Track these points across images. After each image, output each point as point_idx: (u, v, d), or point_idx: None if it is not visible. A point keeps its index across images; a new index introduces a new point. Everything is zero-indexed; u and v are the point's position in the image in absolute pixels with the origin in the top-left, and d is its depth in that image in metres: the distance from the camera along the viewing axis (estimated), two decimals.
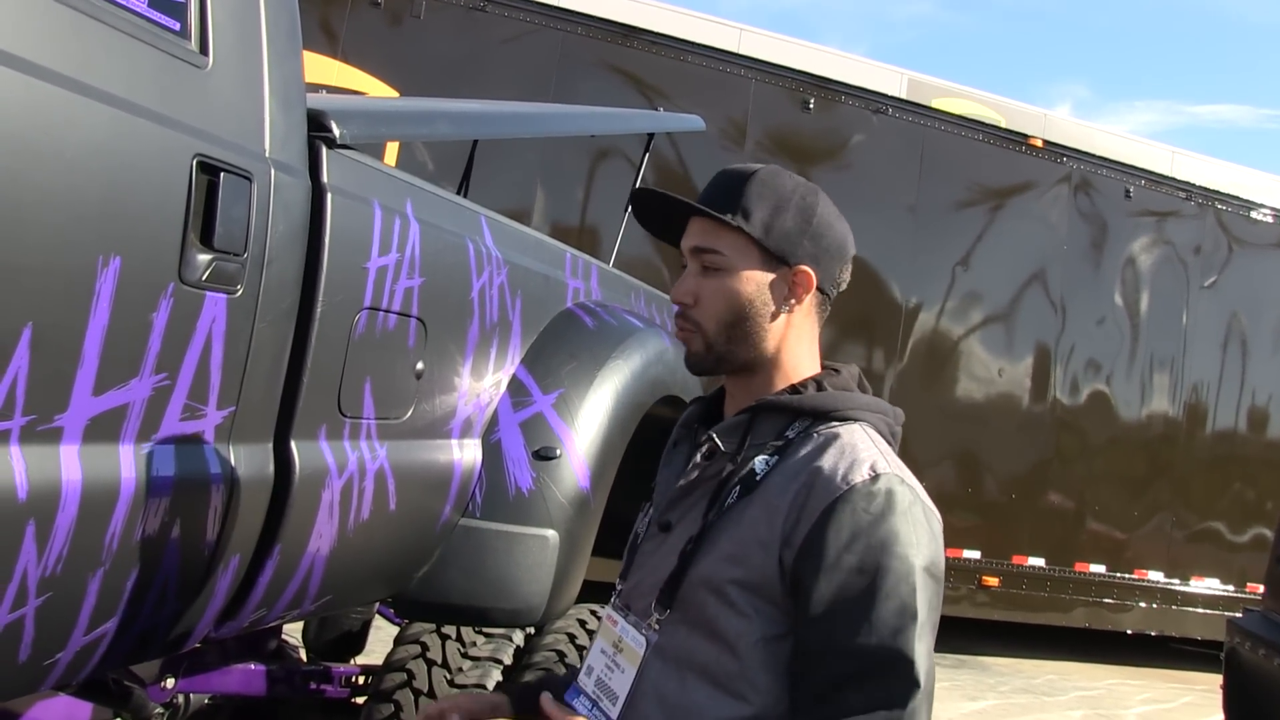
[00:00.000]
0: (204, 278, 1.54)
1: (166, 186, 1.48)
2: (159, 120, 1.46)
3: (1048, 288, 8.54)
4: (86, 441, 1.39)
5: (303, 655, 3.47)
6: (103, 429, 1.41)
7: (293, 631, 3.50)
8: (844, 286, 1.51)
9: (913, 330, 8.07)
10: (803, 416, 1.41)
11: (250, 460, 1.72)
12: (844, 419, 1.40)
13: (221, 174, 1.56)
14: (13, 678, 1.42)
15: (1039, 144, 8.51)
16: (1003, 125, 8.57)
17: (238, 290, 1.61)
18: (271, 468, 1.78)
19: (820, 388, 1.43)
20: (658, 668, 1.37)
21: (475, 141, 3.95)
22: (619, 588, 1.51)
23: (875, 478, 1.30)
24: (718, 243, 1.42)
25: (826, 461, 1.32)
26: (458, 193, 3.52)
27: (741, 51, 7.91)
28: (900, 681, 1.24)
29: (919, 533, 1.30)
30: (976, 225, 8.34)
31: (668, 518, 1.45)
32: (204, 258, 1.54)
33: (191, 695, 2.76)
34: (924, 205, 8.10)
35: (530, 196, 7.08)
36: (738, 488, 1.37)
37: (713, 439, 1.41)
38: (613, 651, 1.45)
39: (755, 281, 1.42)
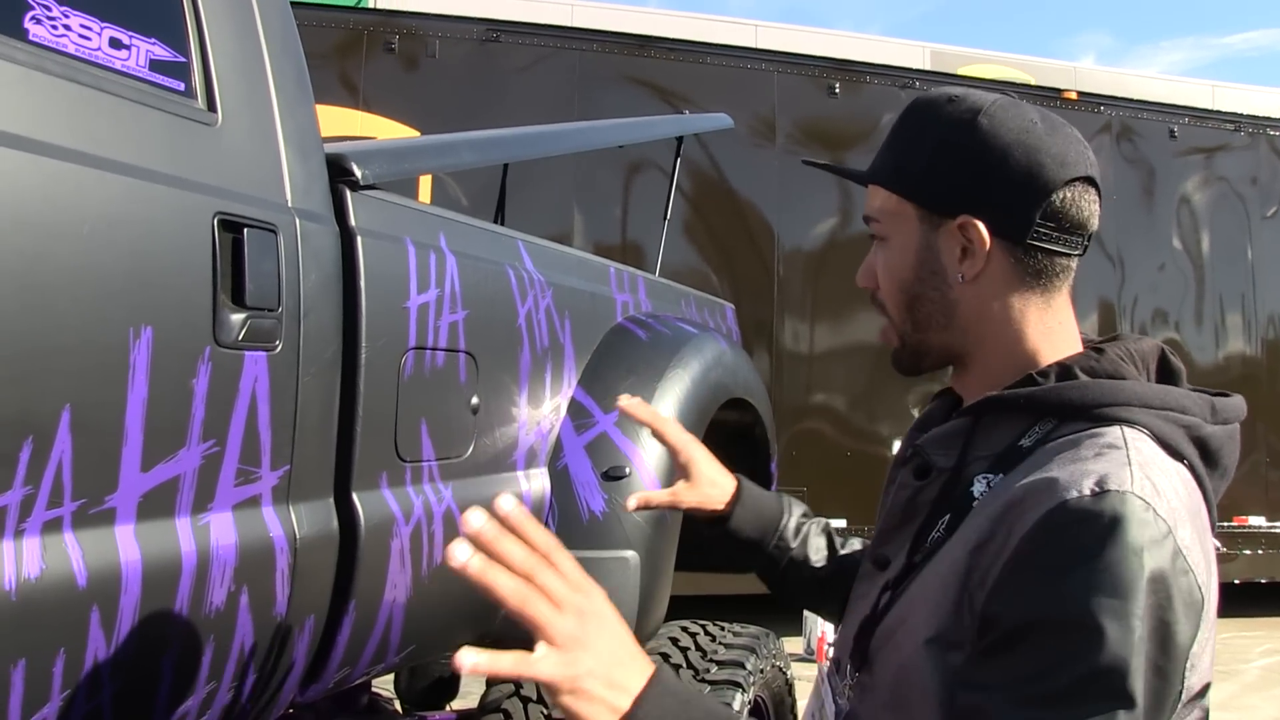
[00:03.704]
0: (240, 337, 1.50)
1: (190, 249, 1.44)
2: (174, 183, 1.43)
3: (1102, 241, 8.33)
4: (141, 519, 1.35)
5: (398, 706, 3.44)
6: (156, 504, 1.38)
7: (385, 684, 3.47)
8: (1081, 227, 1.08)
9: None
10: (1045, 418, 1.04)
11: (312, 518, 1.67)
12: (1107, 418, 1.00)
13: (245, 230, 1.52)
14: None
15: (1073, 96, 8.34)
16: (1033, 84, 8.42)
17: (277, 346, 1.57)
18: (335, 523, 1.74)
19: (1067, 375, 1.05)
20: None
21: (506, 168, 3.92)
22: (834, 638, 1.26)
23: (1101, 493, 0.90)
24: (873, 207, 1.14)
25: (1047, 473, 0.95)
26: (494, 221, 3.49)
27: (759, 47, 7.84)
28: None
29: (1161, 589, 0.89)
30: None
31: (883, 552, 1.15)
32: (238, 317, 1.50)
33: None
34: None
35: (569, 219, 7.05)
36: (949, 517, 1.05)
37: (922, 454, 1.12)
38: (819, 717, 1.21)
39: (913, 248, 1.10)
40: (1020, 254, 1.07)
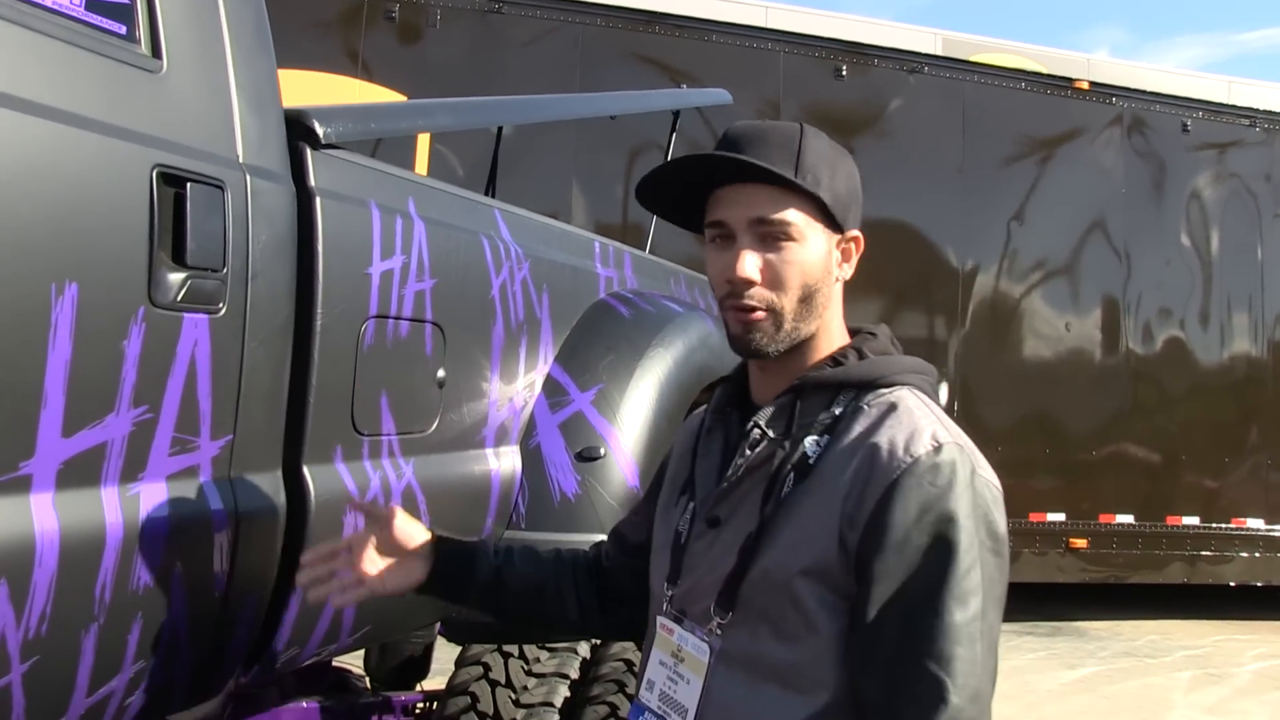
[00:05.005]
0: (179, 298, 1.41)
1: (124, 202, 1.35)
2: (108, 131, 1.34)
3: (1109, 235, 8.21)
4: (61, 488, 1.27)
5: (368, 684, 3.37)
6: (78, 472, 1.29)
7: (355, 661, 3.40)
8: None
9: (972, 293, 7.80)
10: (847, 389, 1.32)
11: (257, 491, 1.59)
12: (890, 384, 1.32)
13: (188, 184, 1.43)
14: None
15: (1085, 86, 8.19)
16: (1045, 73, 8.28)
17: (220, 309, 1.49)
18: (283, 496, 1.66)
19: (861, 355, 1.35)
20: (723, 675, 1.29)
21: (499, 139, 3.82)
22: (669, 593, 1.38)
23: (938, 448, 1.23)
24: (785, 210, 1.29)
25: (884, 434, 1.25)
26: (485, 193, 3.39)
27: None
28: (959, 678, 1.18)
29: (983, 502, 1.24)
30: (1028, 178, 8.03)
31: (715, 513, 1.35)
32: (177, 276, 1.41)
33: None
34: (971, 164, 7.81)
35: (567, 197, 6.94)
36: (792, 475, 1.28)
37: (760, 427, 1.32)
38: (673, 662, 1.35)
39: (822, 251, 1.32)
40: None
